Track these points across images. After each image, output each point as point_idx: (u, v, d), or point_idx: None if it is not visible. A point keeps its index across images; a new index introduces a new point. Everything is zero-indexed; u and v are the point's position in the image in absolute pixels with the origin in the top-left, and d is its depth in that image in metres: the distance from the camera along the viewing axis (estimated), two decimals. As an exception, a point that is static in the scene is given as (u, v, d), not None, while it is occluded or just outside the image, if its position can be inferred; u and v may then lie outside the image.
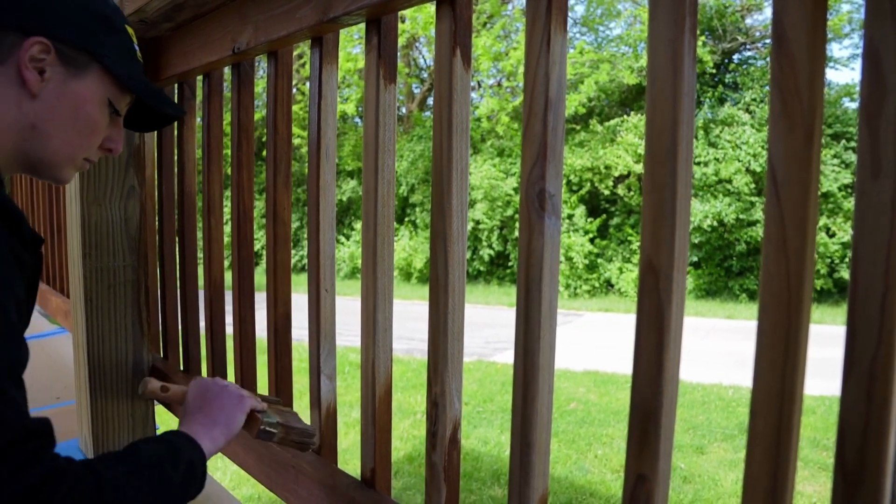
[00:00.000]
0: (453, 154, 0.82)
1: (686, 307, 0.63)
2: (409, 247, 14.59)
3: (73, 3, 0.81)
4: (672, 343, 0.60)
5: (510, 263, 14.19)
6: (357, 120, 17.37)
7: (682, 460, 4.32)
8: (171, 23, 1.38)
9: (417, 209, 15.12)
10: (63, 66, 0.79)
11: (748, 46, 14.45)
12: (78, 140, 0.84)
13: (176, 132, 1.54)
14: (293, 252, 14.79)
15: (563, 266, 13.06)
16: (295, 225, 14.25)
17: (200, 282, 1.50)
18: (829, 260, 11.72)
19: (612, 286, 13.44)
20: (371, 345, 0.97)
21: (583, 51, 14.23)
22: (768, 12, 13.83)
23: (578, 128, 14.33)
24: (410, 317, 8.30)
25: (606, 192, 13.64)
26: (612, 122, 13.91)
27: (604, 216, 13.87)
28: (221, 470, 3.89)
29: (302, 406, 1.21)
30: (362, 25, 0.96)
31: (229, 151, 1.37)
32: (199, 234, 1.49)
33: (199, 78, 1.47)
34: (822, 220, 11.88)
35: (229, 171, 1.37)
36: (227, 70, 1.37)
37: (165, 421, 1.71)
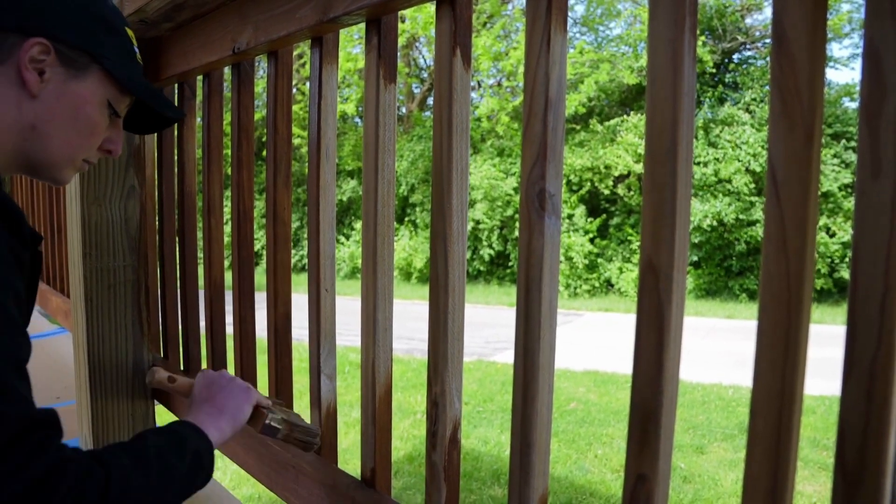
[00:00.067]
0: (453, 154, 0.82)
1: (686, 307, 0.63)
2: (409, 247, 14.59)
3: (73, 4, 0.81)
4: (672, 343, 0.60)
5: (510, 263, 14.19)
6: (357, 120, 17.38)
7: (682, 460, 4.32)
8: (171, 23, 1.38)
9: (417, 209, 15.12)
10: (63, 67, 0.79)
11: (748, 46, 14.45)
12: (78, 141, 0.84)
13: (176, 132, 1.54)
14: (293, 252, 14.80)
15: (563, 266, 13.07)
16: (295, 225, 14.25)
17: (200, 282, 1.50)
18: (829, 260, 11.72)
19: (612, 286, 13.44)
20: (371, 344, 0.98)
21: (583, 51, 14.22)
22: (768, 12, 13.83)
23: (578, 128, 14.33)
24: (410, 317, 8.30)
25: (606, 192, 13.65)
26: (612, 121, 13.91)
27: (604, 216, 13.87)
28: (221, 470, 3.89)
29: (302, 406, 1.21)
30: (362, 25, 0.96)
31: (229, 151, 1.37)
32: (200, 234, 1.49)
33: (199, 78, 1.47)
34: (822, 220, 11.88)
35: (229, 171, 1.37)
36: (227, 70, 1.37)
37: (165, 421, 1.70)
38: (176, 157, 1.55)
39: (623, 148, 13.32)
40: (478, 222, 13.82)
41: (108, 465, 0.67)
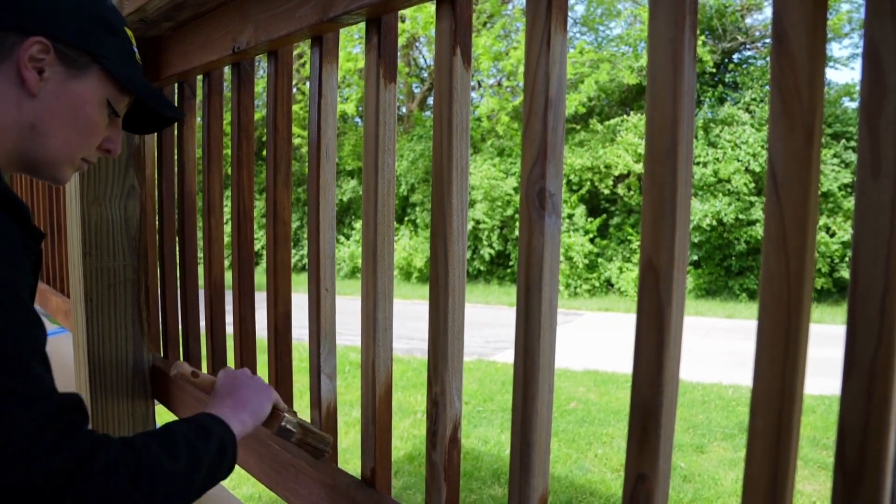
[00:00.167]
0: (453, 153, 0.82)
1: (686, 306, 0.64)
2: (410, 246, 14.59)
3: (72, 3, 0.81)
4: (672, 342, 0.60)
5: (510, 263, 14.19)
6: (357, 120, 17.37)
7: (682, 459, 4.32)
8: (172, 22, 1.38)
9: (417, 209, 15.12)
10: (62, 66, 0.80)
11: (748, 46, 14.45)
12: (77, 140, 0.84)
13: (176, 132, 1.54)
14: (293, 251, 14.79)
15: (563, 265, 13.07)
16: (295, 224, 14.25)
17: (200, 281, 1.50)
18: (829, 259, 11.73)
19: (612, 286, 13.44)
20: (371, 344, 0.98)
21: (583, 50, 14.22)
22: (768, 12, 13.82)
23: (578, 127, 14.33)
24: (410, 316, 8.30)
25: (606, 192, 13.65)
26: (612, 121, 13.90)
27: (604, 216, 13.87)
28: (221, 469, 3.89)
29: (302, 405, 1.21)
30: (362, 25, 0.96)
31: (229, 151, 1.37)
32: (200, 234, 1.49)
33: (199, 77, 1.47)
34: (822, 220, 11.88)
35: (229, 170, 1.37)
36: (227, 69, 1.37)
37: (166, 421, 1.70)
38: (176, 157, 1.55)
39: (623, 148, 13.32)
40: (478, 222, 13.82)
41: (139, 450, 0.68)
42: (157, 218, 1.64)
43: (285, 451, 1.15)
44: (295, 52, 1.48)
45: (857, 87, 0.47)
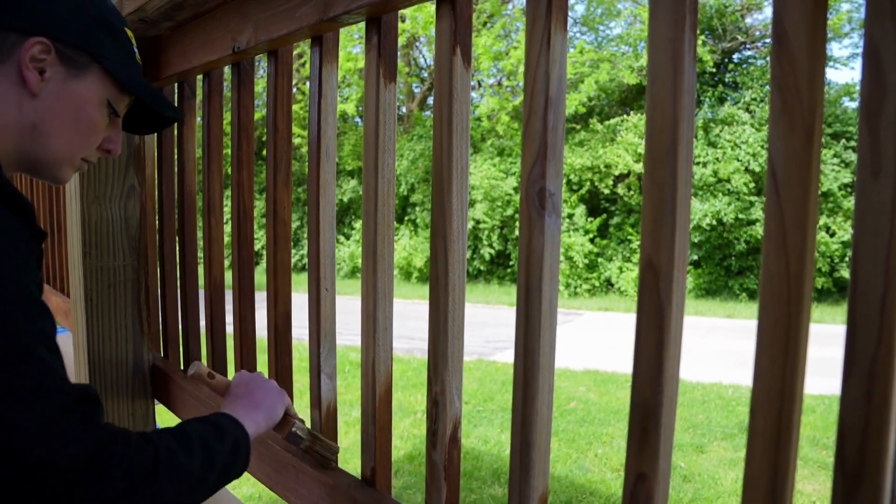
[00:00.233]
0: (453, 153, 0.82)
1: (686, 306, 0.64)
2: (410, 246, 14.59)
3: (73, 4, 0.81)
4: (672, 342, 0.60)
5: (510, 263, 14.19)
6: (357, 119, 17.37)
7: (682, 459, 4.32)
8: (172, 22, 1.38)
9: (417, 208, 15.12)
10: (63, 66, 0.80)
11: (748, 46, 14.44)
12: (78, 140, 0.84)
13: (176, 132, 1.54)
14: (293, 251, 14.79)
15: (563, 265, 13.07)
16: (295, 224, 14.25)
17: (200, 281, 1.50)
18: (829, 259, 11.73)
19: (612, 285, 13.45)
20: (371, 344, 0.98)
21: (583, 50, 14.22)
22: (768, 12, 13.83)
23: (578, 127, 14.33)
24: (410, 316, 8.30)
25: (606, 192, 13.65)
26: (612, 121, 13.90)
27: (604, 215, 13.87)
28: (221, 469, 3.89)
29: (302, 405, 1.21)
30: (362, 24, 0.96)
31: (229, 151, 1.37)
32: (200, 234, 1.49)
33: (199, 77, 1.47)
34: (822, 219, 11.88)
35: (229, 170, 1.37)
36: (227, 69, 1.37)
37: (166, 421, 1.70)
38: (176, 157, 1.55)
39: (623, 147, 13.32)
40: (478, 222, 13.82)
41: (156, 443, 0.69)
42: (157, 218, 1.64)
43: (285, 451, 1.15)
44: (295, 52, 1.48)
45: (857, 87, 0.47)
